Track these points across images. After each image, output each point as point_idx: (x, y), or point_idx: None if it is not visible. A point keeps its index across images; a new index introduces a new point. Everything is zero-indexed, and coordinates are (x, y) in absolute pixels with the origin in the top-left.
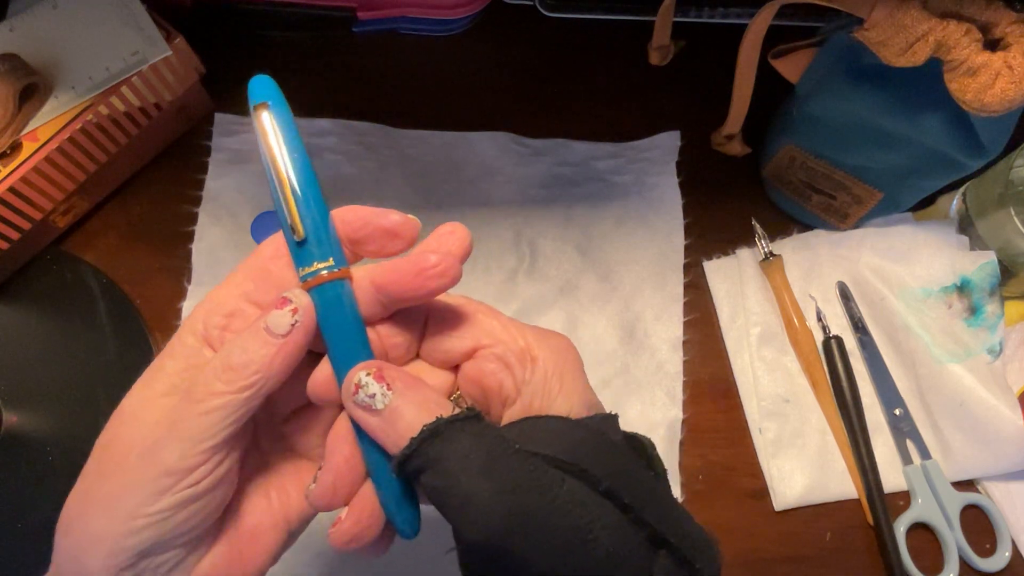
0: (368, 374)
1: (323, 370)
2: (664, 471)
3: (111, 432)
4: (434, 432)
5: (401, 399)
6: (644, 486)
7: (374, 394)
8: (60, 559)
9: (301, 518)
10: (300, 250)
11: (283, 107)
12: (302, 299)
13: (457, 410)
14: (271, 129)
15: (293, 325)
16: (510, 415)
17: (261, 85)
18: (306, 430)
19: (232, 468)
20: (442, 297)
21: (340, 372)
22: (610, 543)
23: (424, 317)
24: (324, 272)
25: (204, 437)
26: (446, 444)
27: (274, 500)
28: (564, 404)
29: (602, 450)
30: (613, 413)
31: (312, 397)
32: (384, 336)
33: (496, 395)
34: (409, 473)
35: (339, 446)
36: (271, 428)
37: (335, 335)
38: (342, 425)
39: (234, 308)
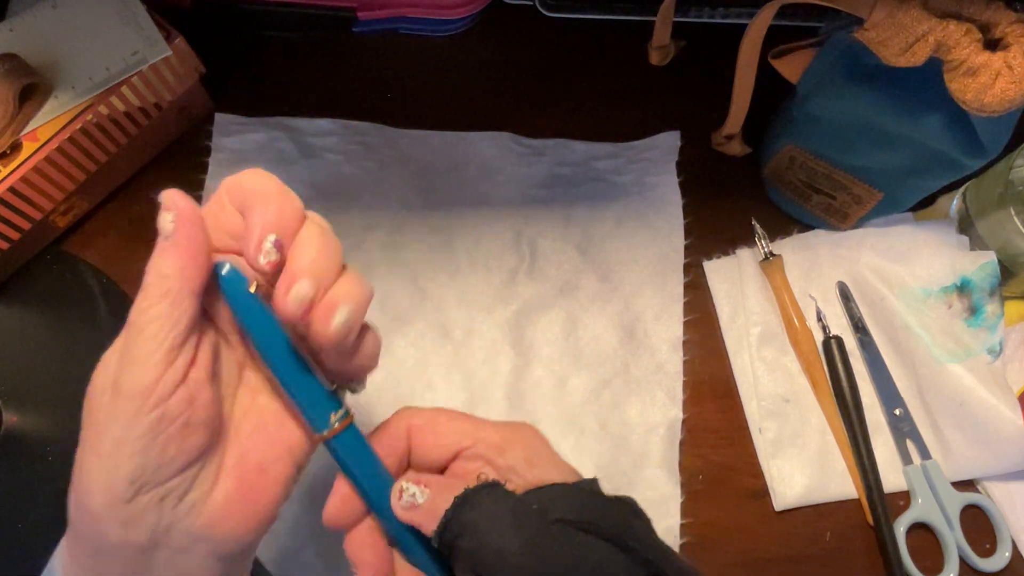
0: (409, 482)
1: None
2: (648, 519)
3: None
4: (464, 499)
5: (436, 493)
6: (639, 531)
7: (414, 493)
8: (72, 514)
9: (303, 450)
10: (313, 412)
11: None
12: (173, 197)
13: (478, 483)
14: (255, 325)
15: (174, 223)
16: None
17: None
18: None
19: (197, 384)
20: (420, 411)
21: (372, 493)
22: None
23: (407, 435)
24: (336, 424)
25: (151, 350)
26: (475, 509)
27: (273, 434)
28: (557, 475)
29: (601, 506)
30: (594, 477)
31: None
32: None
33: None
34: (448, 542)
35: (367, 557)
36: (257, 366)
37: (358, 465)
38: (363, 538)
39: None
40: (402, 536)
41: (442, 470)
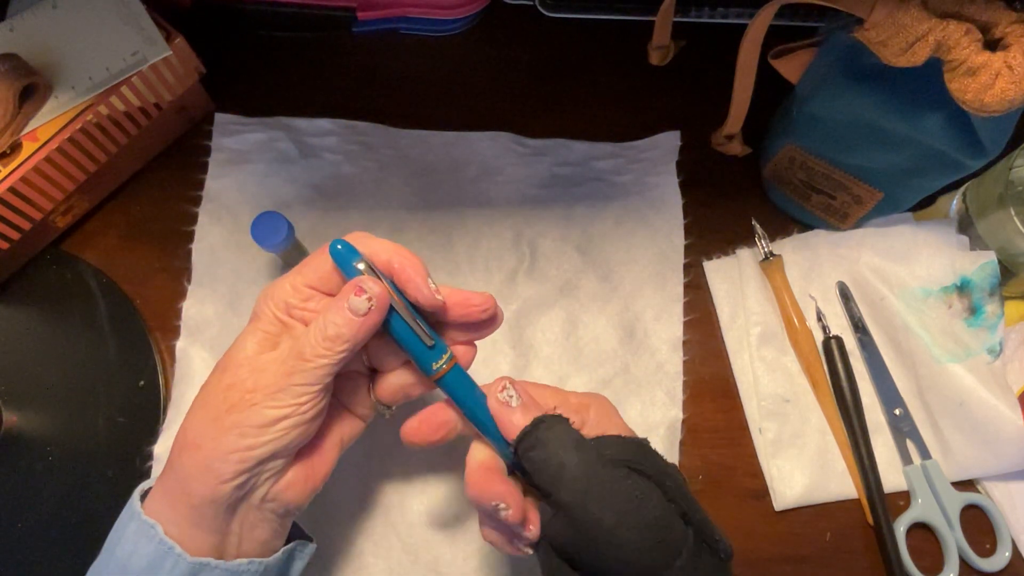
0: (511, 382)
1: (477, 456)
2: (687, 480)
3: (231, 377)
4: (542, 420)
5: (524, 407)
6: (677, 481)
7: (512, 395)
8: (186, 468)
9: (350, 439)
10: (424, 353)
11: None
12: (375, 288)
13: (554, 414)
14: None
15: (370, 308)
16: None
17: (347, 249)
18: (351, 386)
19: (325, 403)
20: (515, 380)
21: (474, 416)
22: (658, 512)
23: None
24: (444, 366)
25: (313, 382)
26: (547, 430)
27: (333, 428)
28: (616, 431)
29: (648, 454)
30: (645, 437)
31: (410, 440)
32: None
33: None
34: (523, 452)
35: (500, 489)
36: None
37: (464, 396)
38: (490, 477)
39: (308, 294)
40: (505, 453)
41: None
